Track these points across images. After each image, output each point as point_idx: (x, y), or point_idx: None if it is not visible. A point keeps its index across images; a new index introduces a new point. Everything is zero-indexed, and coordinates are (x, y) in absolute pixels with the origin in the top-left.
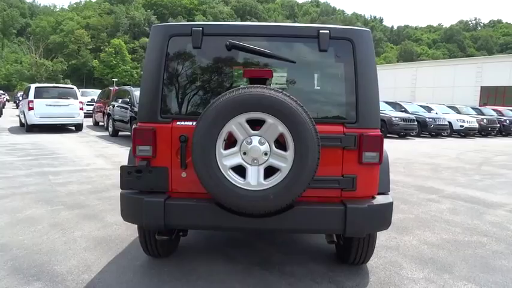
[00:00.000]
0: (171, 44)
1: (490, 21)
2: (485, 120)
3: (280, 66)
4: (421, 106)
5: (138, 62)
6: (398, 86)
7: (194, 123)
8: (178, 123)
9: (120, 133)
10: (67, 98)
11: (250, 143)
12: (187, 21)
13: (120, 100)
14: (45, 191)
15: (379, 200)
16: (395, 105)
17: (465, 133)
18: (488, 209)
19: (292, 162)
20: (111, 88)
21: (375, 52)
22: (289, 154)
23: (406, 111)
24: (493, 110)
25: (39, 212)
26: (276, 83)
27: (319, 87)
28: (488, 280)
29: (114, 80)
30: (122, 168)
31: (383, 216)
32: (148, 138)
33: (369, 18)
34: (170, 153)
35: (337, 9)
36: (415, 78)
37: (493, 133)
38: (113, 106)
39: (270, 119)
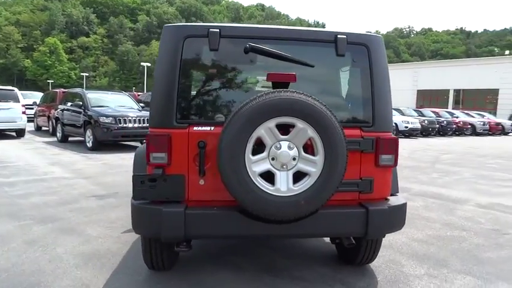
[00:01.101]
0: (186, 45)
1: (422, 29)
2: (426, 121)
3: (297, 71)
4: None
5: (76, 62)
6: None
7: (212, 128)
8: (195, 128)
9: (70, 138)
10: (7, 101)
11: (280, 148)
12: (130, 21)
13: (69, 103)
14: (5, 204)
15: (394, 201)
16: None
17: (409, 133)
18: (456, 204)
19: (322, 167)
20: (57, 91)
21: None
22: (319, 159)
23: None
24: (431, 111)
25: (6, 228)
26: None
27: (336, 92)
28: (482, 272)
29: (50, 81)
30: (135, 177)
31: (400, 217)
32: (163, 144)
33: (313, 23)
34: (187, 160)
35: (282, 13)
36: None
37: (432, 133)
38: (62, 110)
39: (300, 124)
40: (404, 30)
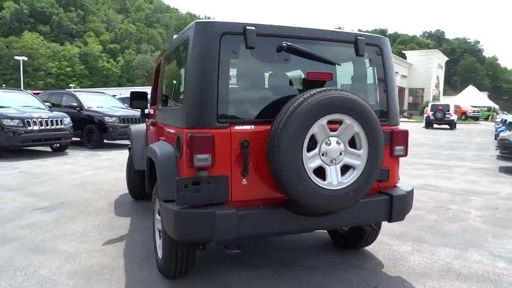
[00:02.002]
0: (223, 42)
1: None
2: None
3: (325, 70)
4: None
5: None
6: None
7: (252, 126)
8: (236, 127)
9: None
10: None
11: (329, 144)
12: None
13: None
14: None
15: (404, 187)
16: None
17: None
18: None
19: (366, 160)
20: None
21: None
22: (363, 152)
23: None
24: None
25: None
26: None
27: (358, 89)
28: (453, 242)
29: None
30: (179, 181)
31: (411, 201)
32: (208, 145)
33: (203, 18)
34: (229, 160)
35: (171, 7)
36: None
37: None
38: None
39: (347, 120)
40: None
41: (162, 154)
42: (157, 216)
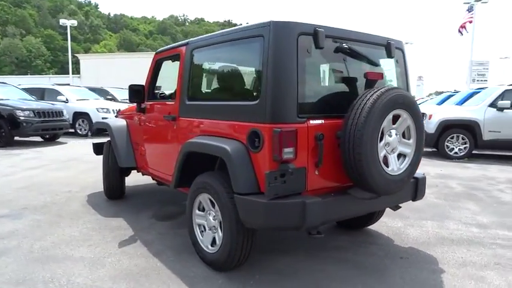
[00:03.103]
0: (299, 42)
1: (195, 18)
2: None
3: (371, 69)
4: None
5: None
6: (138, 75)
7: (322, 121)
8: (311, 122)
9: None
10: None
11: (391, 135)
12: None
13: None
14: None
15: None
16: None
17: None
18: None
19: (414, 148)
20: None
21: (94, 39)
22: (412, 141)
23: None
24: None
25: None
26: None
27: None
28: (428, 216)
29: None
30: (269, 174)
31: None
32: (292, 139)
33: (84, 2)
34: (307, 152)
35: None
36: None
37: None
38: None
39: (404, 114)
40: (179, 18)
41: (234, 149)
42: (198, 212)
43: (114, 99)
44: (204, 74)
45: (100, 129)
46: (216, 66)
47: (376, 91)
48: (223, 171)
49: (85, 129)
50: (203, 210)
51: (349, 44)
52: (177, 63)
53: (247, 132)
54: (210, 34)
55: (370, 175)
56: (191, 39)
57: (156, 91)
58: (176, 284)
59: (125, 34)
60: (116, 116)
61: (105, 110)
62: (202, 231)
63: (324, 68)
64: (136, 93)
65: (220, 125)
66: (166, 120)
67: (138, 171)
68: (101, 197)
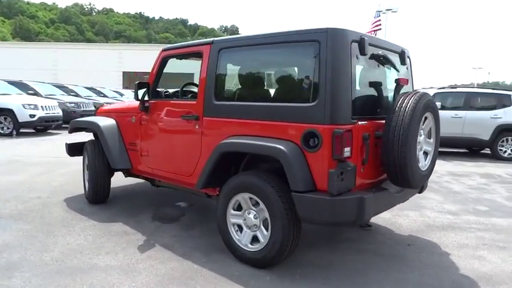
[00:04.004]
0: (352, 48)
1: (103, 8)
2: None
3: (396, 75)
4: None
5: None
6: (38, 67)
7: (366, 122)
8: (360, 123)
9: None
10: None
11: (421, 135)
12: None
13: None
14: None
15: None
16: (66, 90)
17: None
18: None
19: (434, 147)
20: None
21: None
22: (433, 141)
23: (78, 95)
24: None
25: None
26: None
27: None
28: (406, 207)
29: None
30: (332, 173)
31: None
32: (350, 139)
33: None
34: (357, 151)
35: None
36: (55, 60)
37: None
38: None
39: (430, 116)
40: (85, 6)
41: (290, 149)
42: (234, 212)
43: (37, 94)
44: (240, 75)
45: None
46: (256, 67)
47: (413, 95)
48: (260, 170)
49: (8, 128)
50: (239, 209)
51: (381, 51)
52: (184, 61)
53: (302, 132)
54: (243, 35)
55: (411, 171)
56: (216, 38)
57: (160, 89)
58: (227, 284)
59: (21, 21)
60: (95, 114)
61: (32, 107)
62: (237, 230)
63: (364, 73)
64: (144, 91)
65: (264, 125)
66: (184, 120)
67: (126, 174)
68: (81, 202)
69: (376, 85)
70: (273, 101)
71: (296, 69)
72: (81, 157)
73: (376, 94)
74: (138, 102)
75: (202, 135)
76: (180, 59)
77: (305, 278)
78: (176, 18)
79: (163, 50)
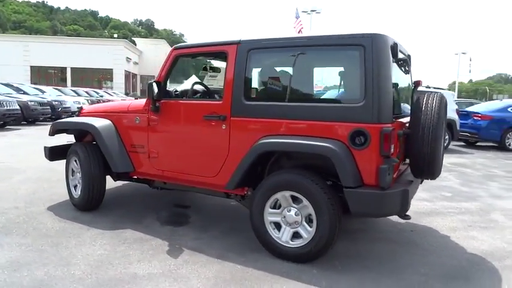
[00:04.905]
0: (391, 52)
1: None
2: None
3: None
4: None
5: None
6: None
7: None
8: (395, 121)
9: None
10: None
11: None
12: None
13: None
14: None
15: None
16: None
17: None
18: None
19: (443, 141)
20: None
21: None
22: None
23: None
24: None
25: None
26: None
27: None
28: None
29: None
30: (384, 169)
31: None
32: (394, 137)
33: None
34: (395, 148)
35: None
36: None
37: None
38: None
39: (443, 114)
40: None
41: (339, 148)
42: (272, 210)
43: None
44: (276, 76)
45: None
46: (295, 68)
47: (436, 95)
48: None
49: None
50: (278, 207)
51: (403, 55)
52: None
53: (349, 131)
54: (275, 37)
55: (438, 163)
56: (243, 38)
57: (170, 89)
58: (282, 280)
59: None
60: (78, 115)
61: None
62: (274, 228)
63: (396, 75)
64: (160, 91)
65: (308, 125)
66: (208, 120)
67: (117, 178)
68: (69, 210)
69: (397, 86)
70: (317, 101)
71: (340, 71)
72: (37, 162)
73: (398, 94)
74: (137, 102)
75: (230, 135)
76: (192, 58)
77: (347, 268)
78: (85, 10)
79: (175, 49)
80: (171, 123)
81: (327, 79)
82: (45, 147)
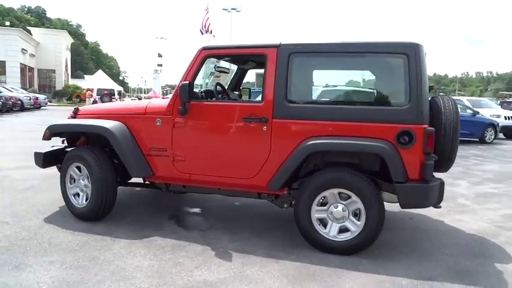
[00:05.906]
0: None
1: None
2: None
3: None
4: None
5: None
6: None
7: None
8: None
9: None
10: None
11: None
12: None
13: None
14: None
15: None
16: None
17: None
18: None
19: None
20: None
21: None
22: None
23: None
24: None
25: None
26: None
27: None
28: None
29: None
30: (429, 165)
31: None
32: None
33: None
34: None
35: None
36: None
37: None
38: None
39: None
40: None
41: (389, 147)
42: (318, 207)
43: None
44: (320, 79)
45: None
46: (339, 72)
47: (449, 99)
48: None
49: None
50: (324, 205)
51: None
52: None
53: (396, 132)
54: (317, 42)
55: (454, 158)
56: (283, 42)
57: (196, 90)
58: (345, 273)
59: None
60: (74, 117)
61: None
62: (320, 224)
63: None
64: (190, 92)
65: (355, 126)
66: (247, 122)
67: (122, 183)
68: (72, 221)
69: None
70: (364, 104)
71: (385, 76)
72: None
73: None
74: (157, 102)
75: (272, 136)
76: (219, 59)
77: (387, 256)
78: None
79: (204, 49)
80: (204, 125)
81: (367, 83)
82: (36, 153)
